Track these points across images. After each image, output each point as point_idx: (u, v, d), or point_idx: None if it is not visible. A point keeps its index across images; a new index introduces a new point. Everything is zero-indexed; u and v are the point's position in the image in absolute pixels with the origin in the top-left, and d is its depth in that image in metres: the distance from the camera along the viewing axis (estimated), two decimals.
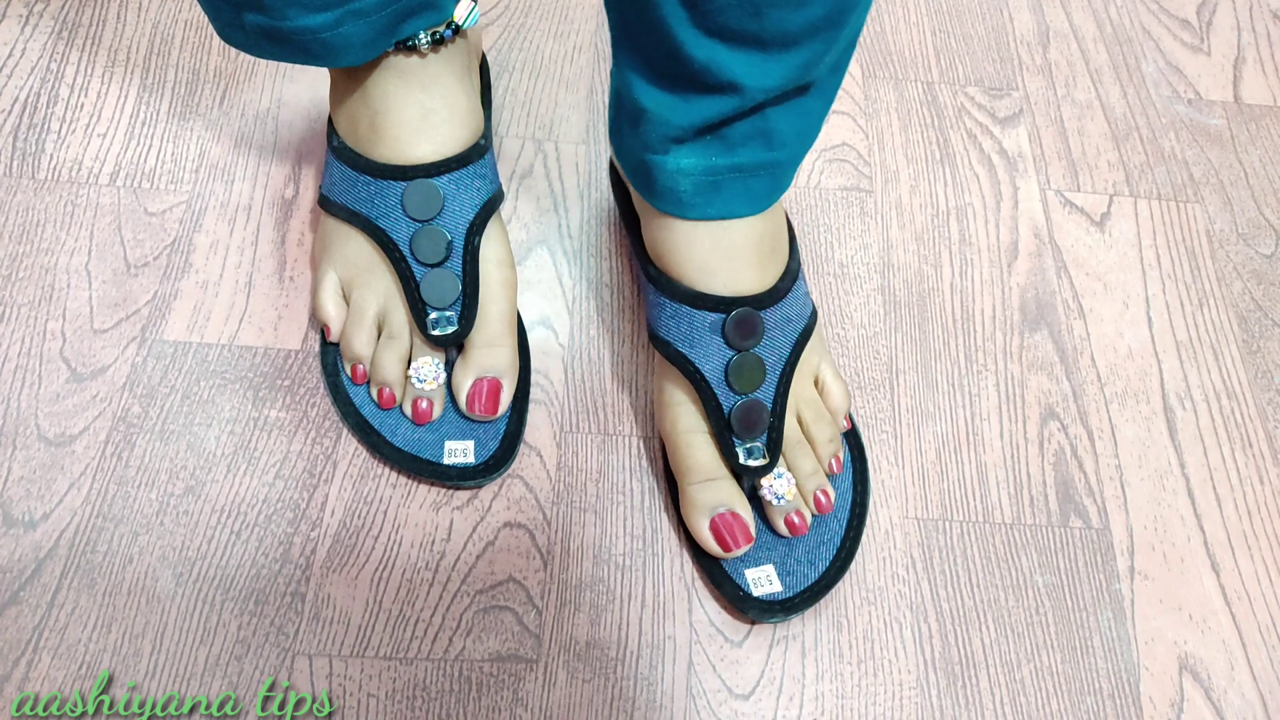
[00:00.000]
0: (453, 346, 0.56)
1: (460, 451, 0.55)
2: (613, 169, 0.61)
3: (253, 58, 0.71)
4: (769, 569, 0.53)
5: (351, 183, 0.55)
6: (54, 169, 0.64)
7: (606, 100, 0.73)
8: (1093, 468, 0.60)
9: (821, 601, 0.54)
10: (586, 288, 0.64)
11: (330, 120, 0.58)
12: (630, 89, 0.49)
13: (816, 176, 0.71)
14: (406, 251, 0.54)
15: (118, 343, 0.58)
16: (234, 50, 0.71)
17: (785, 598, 0.52)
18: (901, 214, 0.70)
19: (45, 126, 0.66)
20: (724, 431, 0.52)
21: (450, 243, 0.54)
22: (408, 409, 0.55)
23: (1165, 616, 0.56)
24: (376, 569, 0.53)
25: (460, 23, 0.53)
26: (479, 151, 0.56)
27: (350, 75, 0.54)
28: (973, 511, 0.58)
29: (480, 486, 0.56)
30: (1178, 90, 0.79)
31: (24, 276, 0.60)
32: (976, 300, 0.66)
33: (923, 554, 0.56)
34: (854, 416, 0.60)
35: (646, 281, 0.55)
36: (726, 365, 0.52)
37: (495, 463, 0.55)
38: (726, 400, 0.52)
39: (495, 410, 0.55)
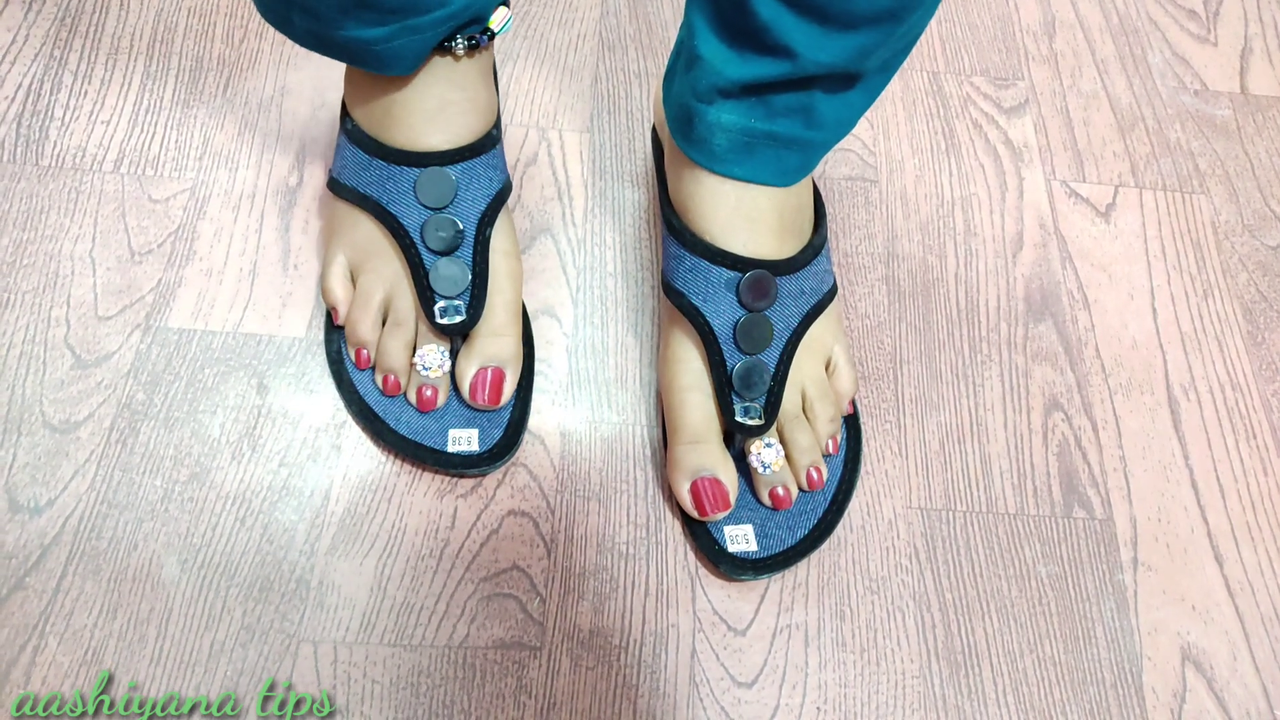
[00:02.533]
0: (458, 335, 0.56)
1: (464, 440, 0.55)
2: (654, 131, 0.63)
3: (255, 47, 0.71)
4: (748, 528, 0.54)
5: (364, 166, 0.55)
6: (58, 156, 0.64)
7: (610, 89, 0.73)
8: (1096, 458, 0.60)
9: (825, 591, 0.54)
10: (590, 276, 0.64)
11: (344, 103, 0.57)
12: (693, 35, 0.51)
13: (822, 166, 0.70)
14: (417, 238, 0.54)
15: (122, 330, 0.58)
16: (237, 38, 0.71)
17: (758, 557, 0.53)
18: (906, 204, 0.69)
19: (49, 113, 0.66)
20: (724, 387, 0.53)
21: (461, 232, 0.54)
22: (412, 396, 0.55)
23: (1168, 607, 0.56)
24: (381, 556, 0.53)
25: (496, 29, 0.54)
26: (491, 141, 0.56)
27: None
28: (976, 502, 0.58)
29: (484, 475, 0.56)
30: (1184, 81, 0.79)
31: (28, 263, 0.60)
32: (981, 291, 0.66)
33: (926, 544, 0.56)
34: (857, 405, 0.60)
35: (668, 234, 0.56)
36: (736, 323, 0.53)
37: (499, 451, 0.55)
38: (731, 357, 0.53)
39: (498, 400, 0.55)
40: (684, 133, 0.53)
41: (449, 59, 0.53)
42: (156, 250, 0.61)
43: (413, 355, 0.55)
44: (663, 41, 0.75)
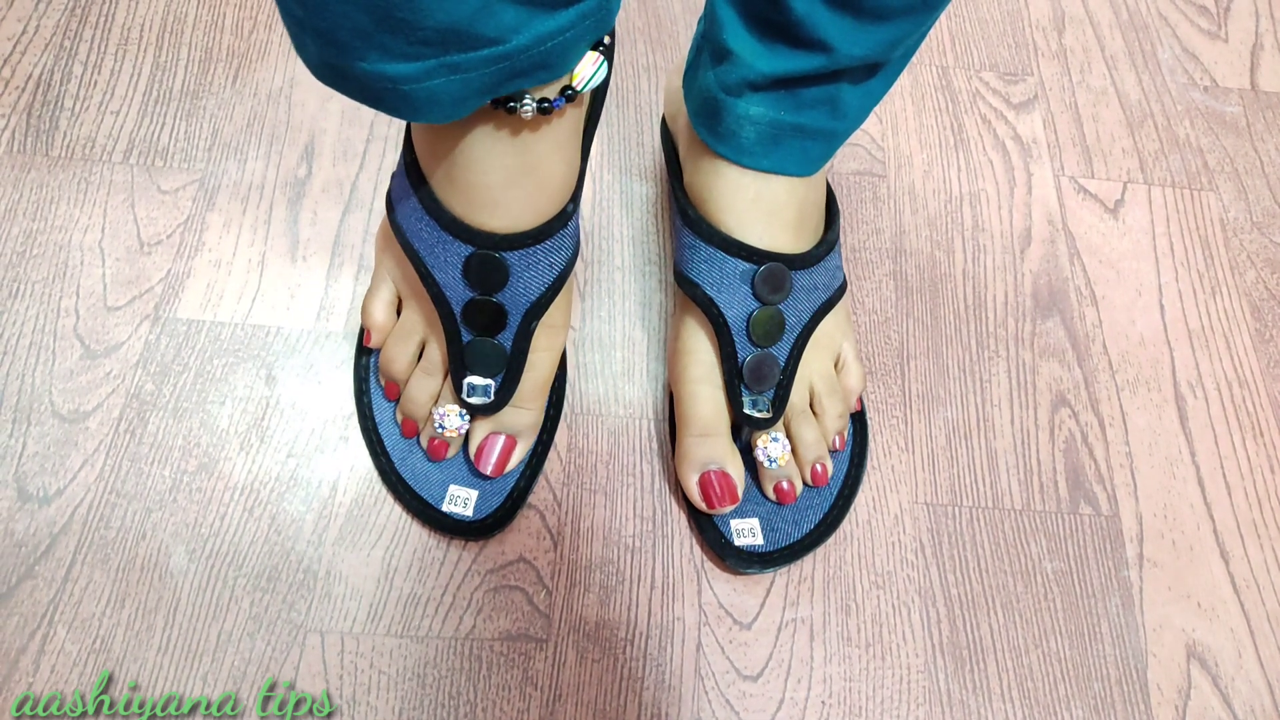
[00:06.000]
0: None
1: (461, 501, 0.53)
2: (664, 123, 0.63)
3: (264, 38, 0.71)
4: (754, 522, 0.54)
5: (416, 214, 0.49)
6: (68, 146, 0.65)
7: (619, 83, 0.73)
8: (1103, 455, 0.60)
9: (830, 585, 0.54)
10: (598, 269, 0.64)
11: (409, 128, 0.50)
12: (721, 29, 0.50)
13: (831, 161, 0.70)
14: (458, 314, 0.50)
15: (131, 320, 0.58)
16: (246, 29, 0.71)
17: (764, 551, 0.54)
18: (914, 199, 0.69)
19: (59, 104, 0.66)
20: (734, 379, 0.53)
21: (506, 319, 0.50)
22: (424, 442, 0.54)
23: (1174, 604, 0.56)
24: (388, 547, 0.53)
25: (578, 87, 0.43)
26: (562, 220, 0.48)
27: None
28: (982, 497, 0.58)
29: (472, 541, 0.54)
30: (1194, 77, 0.78)
31: (38, 253, 0.60)
32: (989, 286, 0.66)
33: (932, 539, 0.56)
34: (864, 401, 0.60)
35: (683, 225, 0.55)
36: (749, 316, 0.53)
37: (493, 522, 0.53)
38: (743, 350, 0.53)
39: (501, 471, 0.53)
40: (709, 126, 0.53)
41: (513, 123, 0.44)
42: (165, 241, 0.61)
43: (435, 404, 0.53)
44: (671, 35, 0.75)
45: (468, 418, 0.53)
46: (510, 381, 0.51)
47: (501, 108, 0.42)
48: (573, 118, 0.46)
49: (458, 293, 0.49)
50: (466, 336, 0.50)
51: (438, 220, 0.48)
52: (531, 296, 0.49)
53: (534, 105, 0.42)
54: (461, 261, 0.48)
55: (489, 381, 0.51)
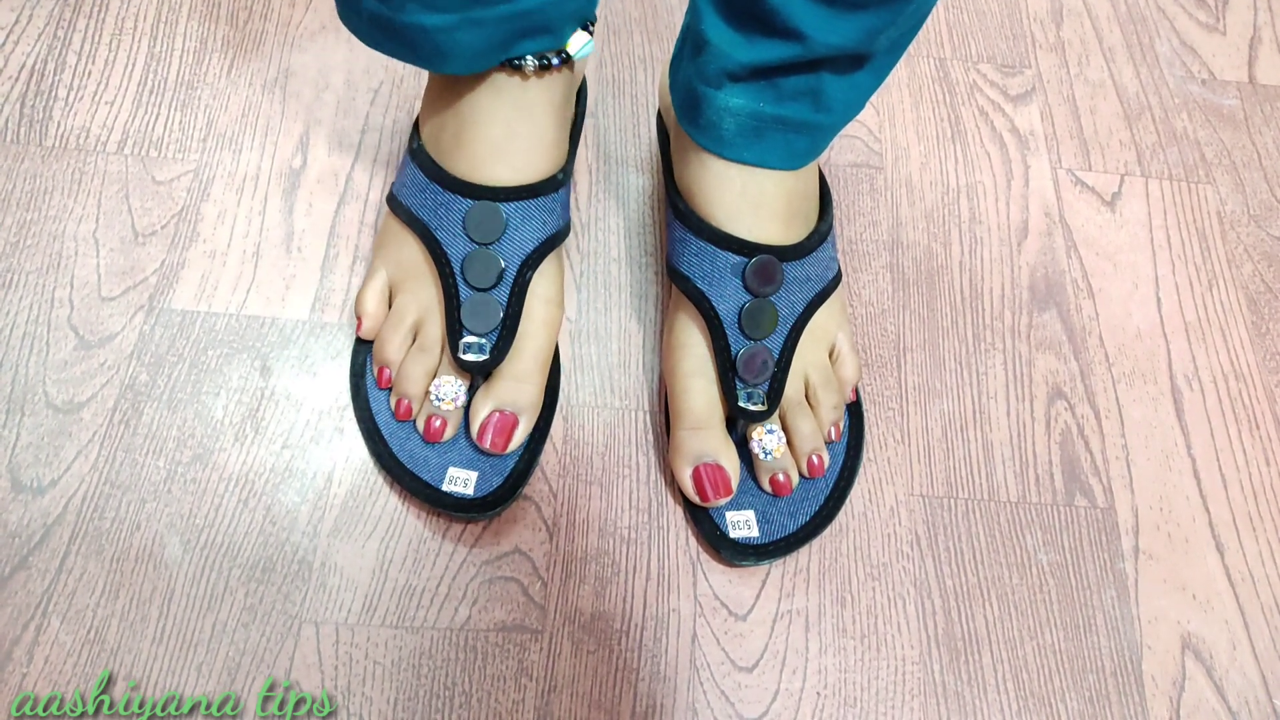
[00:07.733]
0: (479, 375, 0.54)
1: (461, 481, 0.53)
2: (659, 116, 0.63)
3: (260, 28, 0.71)
4: (750, 514, 0.54)
5: (420, 188, 0.54)
6: (61, 136, 0.64)
7: (614, 74, 0.72)
8: (1099, 447, 0.60)
9: (826, 577, 0.54)
10: (594, 261, 0.64)
11: (416, 122, 0.57)
12: (700, 19, 0.51)
13: (827, 153, 0.70)
14: (457, 269, 0.53)
15: (125, 311, 0.58)
16: (241, 19, 0.71)
17: (760, 543, 0.54)
18: (911, 191, 0.69)
19: (52, 94, 0.66)
20: (728, 372, 0.53)
21: (502, 271, 0.53)
22: (420, 425, 0.54)
23: (1169, 596, 0.56)
24: (383, 539, 0.53)
25: (572, 53, 0.52)
26: (553, 185, 0.54)
27: (448, 83, 0.53)
28: (978, 489, 0.58)
29: (474, 521, 0.54)
30: (1191, 70, 0.78)
31: (32, 244, 0.60)
32: (985, 279, 0.66)
33: (927, 531, 0.56)
34: (860, 392, 0.60)
35: (674, 218, 0.56)
36: (741, 308, 0.53)
37: (494, 500, 0.53)
38: (736, 343, 0.53)
39: (504, 447, 0.53)
40: (691, 118, 0.53)
41: (517, 78, 0.51)
42: (160, 231, 0.61)
43: (431, 383, 0.54)
44: (668, 26, 0.75)
45: (464, 388, 0.53)
46: (506, 335, 0.52)
47: (508, 67, 0.50)
48: (564, 82, 0.53)
49: (458, 248, 0.53)
50: (465, 294, 0.52)
51: (441, 183, 0.53)
52: (527, 249, 0.53)
53: (535, 62, 0.50)
54: (462, 215, 0.53)
55: (486, 340, 0.52)
